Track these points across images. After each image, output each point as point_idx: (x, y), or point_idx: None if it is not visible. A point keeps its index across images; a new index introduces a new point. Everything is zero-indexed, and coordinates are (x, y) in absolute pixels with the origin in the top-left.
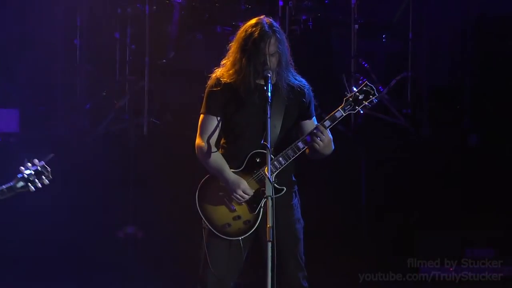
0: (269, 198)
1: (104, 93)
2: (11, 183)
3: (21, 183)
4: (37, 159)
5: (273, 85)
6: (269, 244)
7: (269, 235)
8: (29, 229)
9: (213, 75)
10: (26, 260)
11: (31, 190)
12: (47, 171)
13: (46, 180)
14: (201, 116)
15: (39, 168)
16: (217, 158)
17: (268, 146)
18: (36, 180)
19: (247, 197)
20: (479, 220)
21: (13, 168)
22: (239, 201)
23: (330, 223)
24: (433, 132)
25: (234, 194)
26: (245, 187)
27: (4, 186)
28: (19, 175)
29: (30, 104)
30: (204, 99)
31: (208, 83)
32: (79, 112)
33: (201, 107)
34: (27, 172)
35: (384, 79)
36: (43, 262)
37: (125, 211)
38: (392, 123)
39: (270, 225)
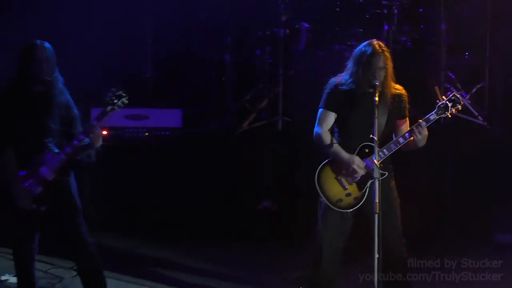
0: (377, 179)
1: (248, 97)
2: (102, 110)
3: (109, 107)
4: (114, 88)
5: (380, 93)
6: (376, 216)
7: (377, 208)
8: (189, 198)
9: (331, 81)
10: (177, 224)
11: (117, 110)
12: (124, 95)
13: (126, 101)
14: (320, 110)
15: (117, 93)
16: (332, 142)
17: (375, 139)
18: (119, 102)
19: (361, 171)
20: None
21: (177, 155)
22: (355, 174)
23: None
24: (505, 129)
25: (351, 167)
26: (358, 161)
27: (98, 114)
28: (106, 102)
29: (191, 105)
30: (323, 97)
31: (327, 86)
32: (229, 112)
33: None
34: (109, 98)
35: (466, 87)
36: (192, 227)
37: (264, 188)
38: (472, 122)
39: (378, 200)
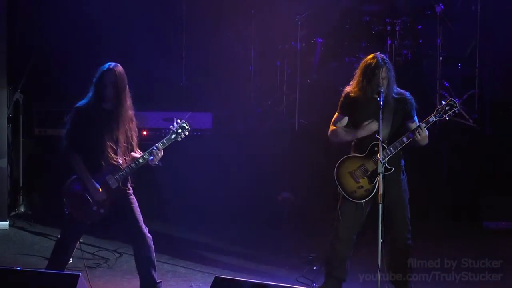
0: (380, 174)
1: (269, 102)
2: (168, 136)
3: (173, 136)
4: (180, 119)
5: (385, 98)
6: (380, 206)
7: (379, 198)
8: (218, 189)
9: (344, 90)
10: (207, 211)
11: (179, 139)
12: (188, 125)
13: (187, 132)
14: (335, 114)
15: (182, 124)
16: (342, 129)
17: (380, 138)
18: (182, 132)
19: (374, 126)
20: None
21: (207, 153)
22: (371, 126)
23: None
24: (492, 131)
25: (365, 127)
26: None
27: (164, 139)
28: (171, 131)
29: (219, 109)
30: (339, 104)
31: (342, 95)
32: (253, 115)
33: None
34: (175, 128)
35: (459, 94)
36: (222, 214)
37: (283, 181)
38: (464, 124)
39: (381, 192)
